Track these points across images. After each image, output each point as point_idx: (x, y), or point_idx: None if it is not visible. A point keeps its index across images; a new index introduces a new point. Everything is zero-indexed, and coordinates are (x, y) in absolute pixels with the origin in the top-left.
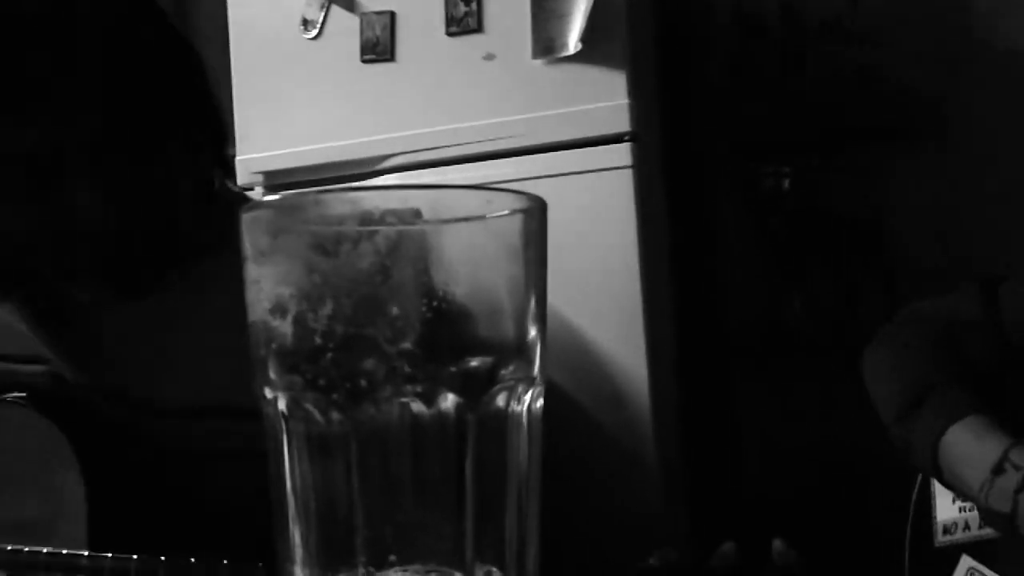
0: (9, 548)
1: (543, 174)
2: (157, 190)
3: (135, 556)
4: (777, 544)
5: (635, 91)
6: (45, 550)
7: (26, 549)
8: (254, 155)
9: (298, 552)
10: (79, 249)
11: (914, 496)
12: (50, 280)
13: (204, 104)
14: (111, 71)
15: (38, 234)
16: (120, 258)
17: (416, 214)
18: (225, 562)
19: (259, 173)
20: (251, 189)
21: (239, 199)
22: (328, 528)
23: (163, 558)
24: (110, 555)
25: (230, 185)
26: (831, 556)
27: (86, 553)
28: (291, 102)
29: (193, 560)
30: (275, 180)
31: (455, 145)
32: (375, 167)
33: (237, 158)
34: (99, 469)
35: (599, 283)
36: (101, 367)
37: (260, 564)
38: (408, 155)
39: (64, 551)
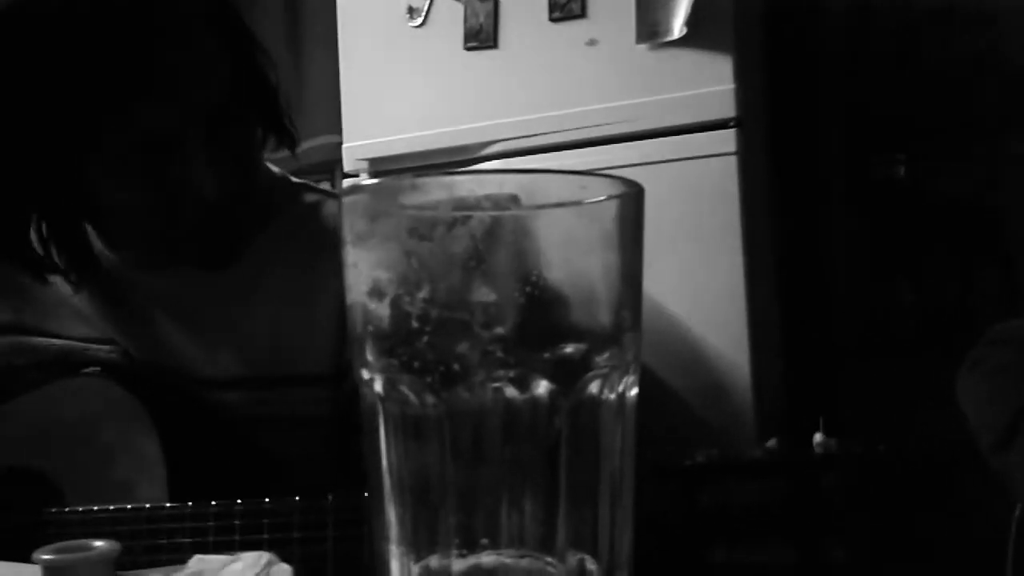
0: (96, 508)
1: (645, 161)
2: (246, 166)
3: (213, 502)
4: (818, 436)
5: (741, 75)
6: (130, 506)
7: (112, 507)
8: (359, 142)
9: (393, 530)
10: (187, 218)
11: (1016, 514)
12: (156, 248)
13: (267, 85)
14: (216, 57)
15: (150, 205)
16: (220, 226)
17: (512, 199)
18: (296, 498)
19: (364, 160)
20: (356, 175)
21: (281, 181)
22: (421, 509)
23: (238, 501)
24: (190, 503)
25: (274, 168)
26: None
27: (167, 504)
28: (395, 90)
29: (267, 500)
30: (379, 167)
31: (557, 132)
32: (477, 154)
33: (343, 145)
34: (170, 432)
35: (701, 273)
36: (157, 346)
37: (329, 497)
38: (509, 142)
39: (147, 504)
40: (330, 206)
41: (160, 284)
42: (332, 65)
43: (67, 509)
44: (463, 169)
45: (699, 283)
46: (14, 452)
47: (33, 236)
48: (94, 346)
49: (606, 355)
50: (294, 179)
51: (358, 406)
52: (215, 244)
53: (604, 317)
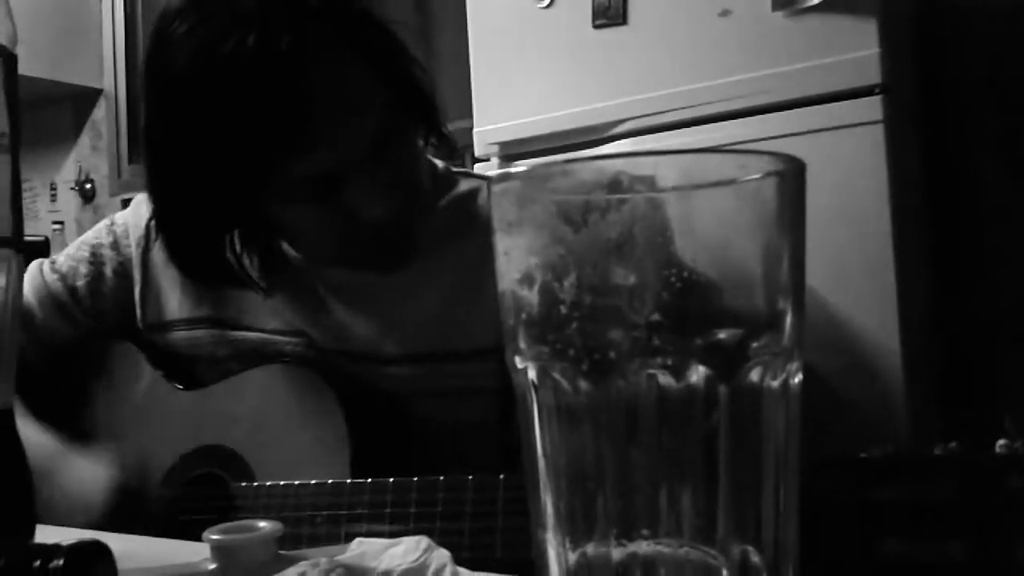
0: (282, 483)
1: (785, 133)
2: (413, 179)
3: (391, 479)
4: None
5: (886, 39)
6: (313, 481)
7: (296, 482)
8: (490, 127)
9: (548, 518)
10: (360, 235)
11: None
12: (335, 258)
13: (424, 96)
14: (371, 90)
15: (325, 229)
16: (393, 237)
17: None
18: (470, 477)
19: (495, 144)
20: (486, 160)
21: (441, 173)
22: (577, 497)
23: (414, 479)
24: (369, 480)
25: (438, 162)
26: None
27: (348, 480)
28: (525, 72)
29: (441, 477)
30: (510, 150)
31: (690, 107)
32: (608, 133)
33: (474, 131)
34: (354, 413)
35: (847, 248)
36: (339, 333)
37: (501, 477)
38: (642, 119)
39: (330, 480)
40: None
41: (340, 279)
42: (462, 50)
43: (255, 484)
44: (615, 153)
45: (844, 260)
46: (209, 432)
47: (230, 257)
48: (284, 338)
49: (764, 341)
50: (453, 168)
51: None
52: (389, 252)
53: (763, 302)
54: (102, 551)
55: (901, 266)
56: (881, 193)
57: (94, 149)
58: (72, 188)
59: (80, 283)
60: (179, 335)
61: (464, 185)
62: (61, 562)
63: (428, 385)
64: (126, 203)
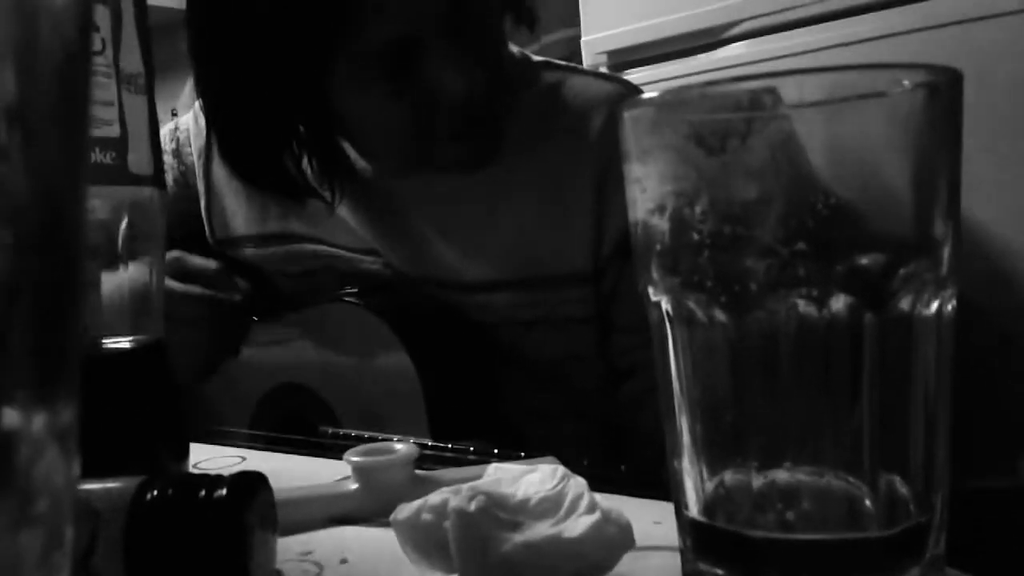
0: (353, 433)
1: (927, 25)
2: (492, 56)
3: (471, 447)
4: None
5: None
6: (380, 436)
7: (366, 435)
8: (598, 35)
9: (685, 448)
10: (439, 122)
11: None
12: (411, 154)
13: None
14: None
15: (398, 111)
16: (473, 124)
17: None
18: (522, 454)
19: (603, 53)
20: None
21: (522, 61)
22: (715, 427)
23: (495, 450)
24: (450, 445)
25: (515, 49)
26: None
27: (428, 443)
28: None
29: (523, 453)
30: (619, 59)
31: (813, 3)
32: (725, 35)
33: (581, 39)
34: (426, 354)
35: (1007, 167)
36: (416, 254)
37: (584, 462)
38: (761, 18)
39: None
40: (574, 83)
41: (415, 190)
42: None
43: (341, 432)
44: (755, 74)
45: (1003, 181)
46: (290, 369)
47: (288, 162)
48: (358, 255)
49: (914, 267)
50: (533, 56)
51: (615, 307)
52: (470, 144)
53: (914, 225)
54: (261, 478)
55: None
56: None
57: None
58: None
59: None
60: (248, 252)
61: (549, 77)
62: (224, 492)
63: (517, 313)
64: None
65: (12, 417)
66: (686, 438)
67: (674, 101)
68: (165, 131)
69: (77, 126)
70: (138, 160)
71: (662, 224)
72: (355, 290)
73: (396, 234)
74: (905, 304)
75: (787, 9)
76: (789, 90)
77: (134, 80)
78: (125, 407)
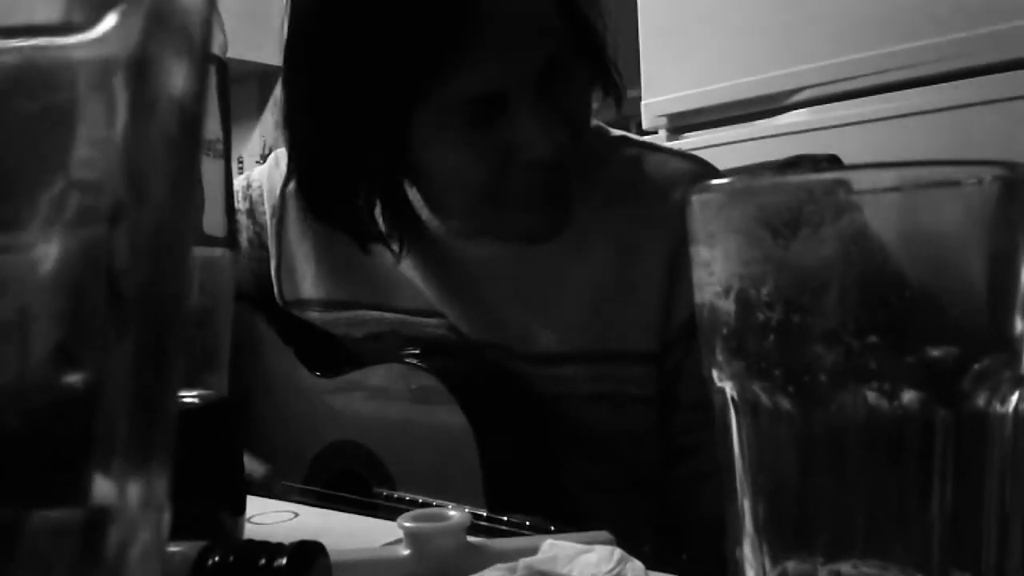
0: (408, 497)
1: (971, 102)
2: (576, 122)
3: (527, 522)
4: None
5: None
6: (434, 501)
7: (420, 499)
8: (658, 98)
9: (747, 535)
10: (515, 185)
11: None
12: (482, 214)
13: (595, 32)
14: (546, 8)
15: (476, 164)
16: (549, 189)
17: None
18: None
19: (663, 116)
20: (654, 132)
21: (601, 134)
22: (780, 517)
23: (552, 528)
24: (505, 518)
25: (601, 124)
26: None
27: (484, 514)
28: (695, 40)
29: (551, 527)
30: (679, 122)
31: (871, 74)
32: (785, 102)
33: (642, 103)
34: (486, 420)
35: None
36: (482, 319)
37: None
38: (818, 88)
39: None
40: (651, 160)
41: (483, 253)
42: (631, 16)
43: (396, 495)
44: (830, 169)
45: None
46: (346, 426)
47: (361, 204)
48: (424, 319)
49: (987, 362)
50: (612, 131)
51: (680, 384)
52: (543, 215)
53: (986, 320)
54: (319, 548)
55: None
56: None
57: (277, 125)
58: (257, 161)
59: None
60: (315, 315)
61: (628, 152)
62: (284, 561)
63: (581, 387)
64: None
65: (105, 489)
66: (749, 525)
67: (745, 188)
68: (237, 187)
69: (187, 191)
70: (212, 222)
71: (728, 306)
72: (417, 351)
73: (462, 297)
74: (980, 400)
75: (849, 79)
76: (863, 181)
77: (213, 145)
78: (190, 465)
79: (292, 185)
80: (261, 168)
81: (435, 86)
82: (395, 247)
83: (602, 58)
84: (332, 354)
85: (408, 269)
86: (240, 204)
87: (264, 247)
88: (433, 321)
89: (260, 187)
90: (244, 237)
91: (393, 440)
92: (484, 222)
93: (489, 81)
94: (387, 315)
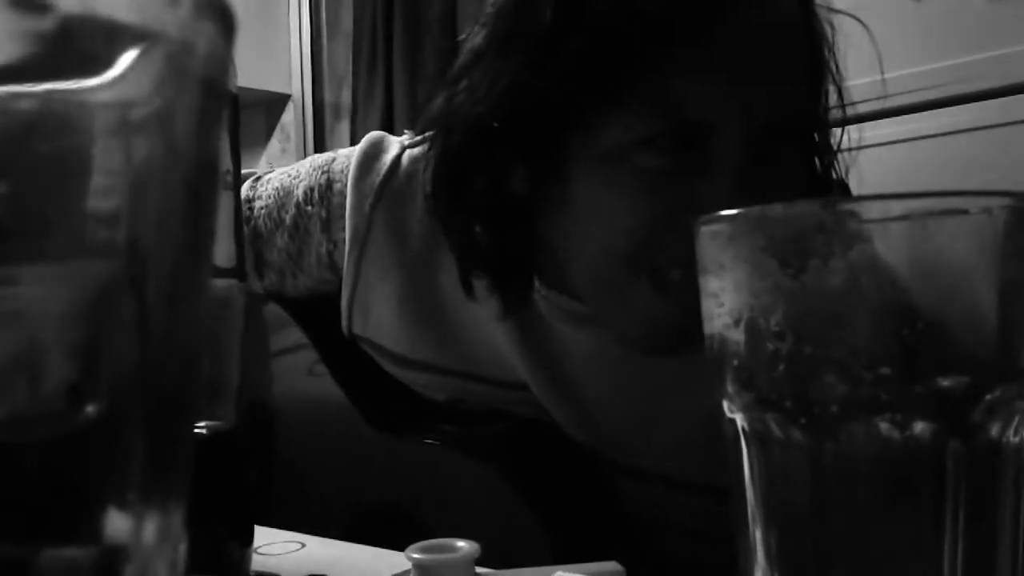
0: None
1: (984, 124)
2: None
3: None
4: None
5: None
6: None
7: None
8: None
9: (759, 567)
10: (673, 251)
11: None
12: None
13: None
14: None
15: (637, 221)
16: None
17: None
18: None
19: None
20: None
21: None
22: (791, 549)
23: None
24: None
25: None
26: None
27: None
28: None
29: None
30: None
31: (880, 98)
32: None
33: None
34: (560, 522)
35: None
36: (572, 411)
37: (620, 567)
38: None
39: None
40: None
41: (588, 344)
42: None
43: None
44: (839, 199)
45: None
46: (390, 489)
47: (479, 237)
48: (509, 392)
49: (999, 392)
50: None
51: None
52: (690, 304)
53: (997, 350)
54: None
55: None
56: None
57: (283, 151)
58: None
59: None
60: (387, 366)
61: None
62: None
63: (678, 518)
64: None
65: (120, 525)
66: (760, 557)
67: (755, 219)
68: (311, 177)
69: (204, 227)
70: (221, 252)
71: (738, 336)
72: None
73: (556, 382)
74: (993, 431)
75: (857, 102)
76: (872, 212)
77: (222, 177)
78: (198, 496)
79: (383, 202)
80: (349, 165)
81: (629, 96)
82: (500, 301)
83: (826, 134)
84: (401, 409)
85: (504, 334)
86: (314, 208)
87: (334, 270)
88: (519, 395)
89: (343, 192)
90: (311, 250)
91: (434, 510)
92: (603, 307)
93: (698, 110)
94: (471, 385)
